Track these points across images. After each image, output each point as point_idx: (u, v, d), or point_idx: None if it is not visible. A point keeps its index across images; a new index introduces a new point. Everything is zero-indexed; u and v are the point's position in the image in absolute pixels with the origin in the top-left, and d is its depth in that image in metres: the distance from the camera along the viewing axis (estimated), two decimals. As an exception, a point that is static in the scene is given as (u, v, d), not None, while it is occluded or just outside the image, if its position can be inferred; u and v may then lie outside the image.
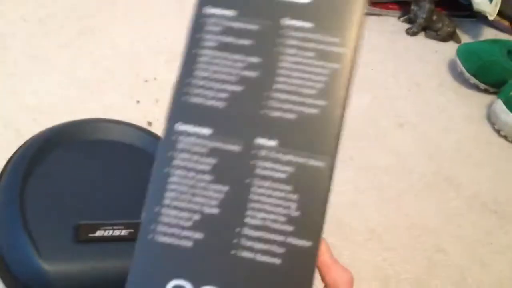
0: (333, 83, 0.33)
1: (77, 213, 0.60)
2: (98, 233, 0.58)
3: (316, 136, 0.33)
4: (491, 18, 1.08)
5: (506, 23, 1.17)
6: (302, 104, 0.33)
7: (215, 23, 0.34)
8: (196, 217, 0.32)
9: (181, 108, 0.33)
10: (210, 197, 0.32)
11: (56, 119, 0.78)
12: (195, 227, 0.32)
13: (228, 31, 0.34)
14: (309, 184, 0.32)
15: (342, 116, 0.33)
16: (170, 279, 0.32)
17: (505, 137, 0.96)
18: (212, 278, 0.32)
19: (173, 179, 0.33)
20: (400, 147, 0.91)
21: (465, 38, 1.13)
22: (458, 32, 1.14)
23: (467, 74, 1.02)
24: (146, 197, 0.33)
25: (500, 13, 1.13)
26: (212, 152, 0.33)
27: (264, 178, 0.32)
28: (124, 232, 0.59)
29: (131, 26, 0.96)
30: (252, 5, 0.34)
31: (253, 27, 0.34)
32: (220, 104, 0.33)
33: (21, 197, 0.60)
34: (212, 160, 0.33)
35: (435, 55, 1.09)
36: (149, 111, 0.84)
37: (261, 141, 0.33)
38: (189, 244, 0.32)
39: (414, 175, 0.87)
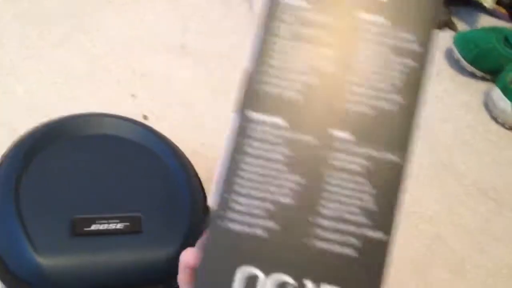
0: (409, 79, 0.34)
1: (73, 207, 0.60)
2: (94, 227, 0.58)
3: (392, 131, 0.33)
4: (488, 6, 1.07)
5: (503, 10, 1.17)
6: (378, 99, 0.33)
7: (289, 13, 0.34)
8: (268, 205, 0.32)
9: (254, 97, 0.33)
10: (283, 186, 0.32)
11: (52, 115, 0.78)
12: (267, 215, 0.32)
13: (302, 21, 0.34)
14: (384, 178, 0.33)
15: (418, 113, 0.34)
16: (239, 265, 0.32)
17: (503, 125, 0.96)
18: (283, 266, 0.32)
19: (244, 166, 0.33)
20: (397, 136, 0.90)
21: (462, 26, 1.13)
22: (455, 20, 1.13)
23: (464, 62, 1.02)
24: (215, 181, 0.33)
25: (497, 1, 1.12)
26: (285, 142, 0.33)
27: (339, 169, 0.32)
28: (119, 226, 0.59)
29: (125, 21, 0.96)
30: None
31: (327, 19, 0.34)
32: (294, 95, 0.33)
33: (16, 192, 0.60)
34: (285, 150, 0.33)
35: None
36: (145, 105, 0.83)
37: (336, 133, 0.33)
38: (260, 232, 0.32)
39: (413, 164, 0.86)
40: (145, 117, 0.81)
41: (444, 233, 0.78)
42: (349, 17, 0.34)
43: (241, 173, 0.33)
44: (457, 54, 1.03)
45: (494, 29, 1.05)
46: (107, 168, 0.65)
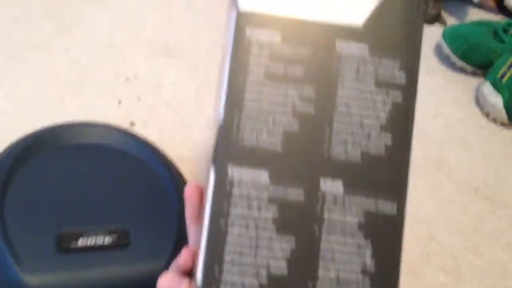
0: (396, 114, 0.30)
1: (59, 220, 0.58)
2: (81, 241, 0.56)
3: (384, 178, 0.30)
4: (476, 1, 1.06)
5: (491, 3, 1.16)
6: (366, 141, 0.30)
7: (260, 50, 0.30)
8: (263, 272, 0.29)
9: (233, 149, 0.29)
10: (276, 250, 0.29)
11: (35, 122, 0.76)
12: (263, 285, 0.29)
13: (276, 57, 0.30)
14: (381, 231, 0.30)
15: (409, 153, 0.31)
16: None
17: (494, 120, 0.95)
18: None
19: (232, 230, 0.29)
20: (388, 135, 0.89)
21: (451, 20, 1.12)
22: (444, 14, 1.12)
23: (454, 57, 1.01)
24: (200, 250, 0.29)
25: (485, -7, 1.11)
26: (273, 200, 0.29)
27: (333, 226, 0.29)
28: (107, 239, 0.57)
29: (108, 20, 0.94)
30: (299, 28, 0.30)
31: (302, 52, 0.30)
32: (276, 145, 0.29)
33: (0, 205, 0.58)
34: (274, 209, 0.29)
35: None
36: (131, 110, 0.82)
37: (325, 186, 0.30)
38: None
39: (404, 163, 0.85)
40: (132, 124, 0.79)
41: (438, 233, 0.77)
42: (325, 48, 0.30)
43: (231, 239, 0.29)
44: (447, 49, 1.02)
45: (483, 23, 1.04)
46: (94, 178, 0.63)
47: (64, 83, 0.83)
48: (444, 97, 0.98)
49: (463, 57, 1.00)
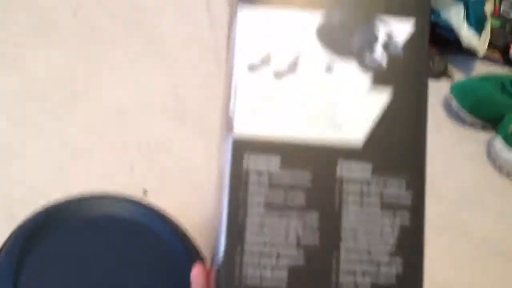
0: (405, 238, 0.29)
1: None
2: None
3: None
4: (481, 55, 1.07)
5: (497, 55, 1.17)
6: (375, 270, 0.28)
7: (260, 175, 0.28)
8: None
9: (233, 285, 0.27)
10: None
11: (47, 192, 0.76)
12: None
13: (275, 184, 0.28)
14: None
15: (422, 278, 0.29)
16: None
17: (508, 175, 0.94)
18: None
19: None
20: (402, 193, 0.88)
21: (458, 74, 1.12)
22: (450, 68, 1.13)
23: (463, 112, 1.01)
24: None
25: (490, 45, 1.12)
26: None
27: None
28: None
29: (119, 88, 0.95)
30: (298, 151, 0.28)
31: (303, 176, 0.28)
32: (281, 281, 0.27)
33: (16, 283, 0.58)
34: None
35: (428, 95, 1.08)
36: (144, 177, 0.82)
37: None
38: None
39: (419, 223, 0.85)
40: (145, 193, 0.79)
41: (457, 296, 0.76)
42: (326, 171, 0.28)
43: None
44: (455, 104, 1.02)
45: (490, 77, 1.04)
46: (108, 253, 0.63)
47: (75, 152, 0.83)
48: (455, 153, 0.97)
49: (472, 111, 1.01)
